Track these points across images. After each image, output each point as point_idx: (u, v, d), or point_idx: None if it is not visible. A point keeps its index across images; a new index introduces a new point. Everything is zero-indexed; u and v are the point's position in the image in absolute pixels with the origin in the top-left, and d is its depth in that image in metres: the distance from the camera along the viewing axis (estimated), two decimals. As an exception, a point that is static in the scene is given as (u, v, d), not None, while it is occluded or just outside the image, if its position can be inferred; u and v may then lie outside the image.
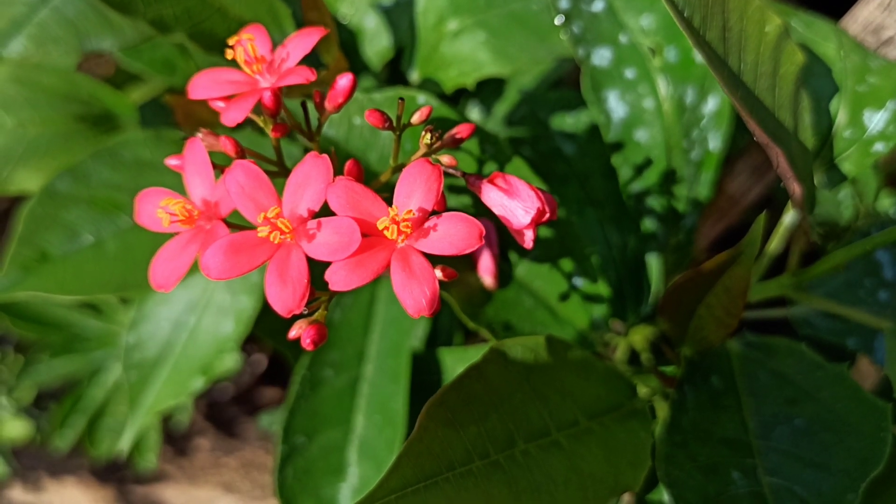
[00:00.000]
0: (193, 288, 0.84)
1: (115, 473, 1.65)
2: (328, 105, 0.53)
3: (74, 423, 1.32)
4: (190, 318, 0.84)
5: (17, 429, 1.47)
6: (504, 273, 0.68)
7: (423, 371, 0.80)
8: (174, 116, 0.74)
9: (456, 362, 0.79)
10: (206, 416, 1.74)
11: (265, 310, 0.83)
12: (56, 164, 0.70)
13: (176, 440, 1.71)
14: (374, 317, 0.80)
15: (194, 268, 0.77)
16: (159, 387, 0.86)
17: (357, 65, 0.83)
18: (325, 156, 0.47)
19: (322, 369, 0.77)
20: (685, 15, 0.48)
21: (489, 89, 0.86)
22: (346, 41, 0.83)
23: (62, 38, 0.71)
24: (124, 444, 0.91)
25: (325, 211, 0.47)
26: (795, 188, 0.53)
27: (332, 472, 0.75)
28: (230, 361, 1.22)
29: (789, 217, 0.70)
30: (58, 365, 1.30)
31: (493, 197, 0.52)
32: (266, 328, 0.90)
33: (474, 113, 0.86)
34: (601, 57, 0.73)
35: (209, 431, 1.73)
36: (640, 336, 0.74)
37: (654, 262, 0.76)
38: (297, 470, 0.74)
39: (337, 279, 0.44)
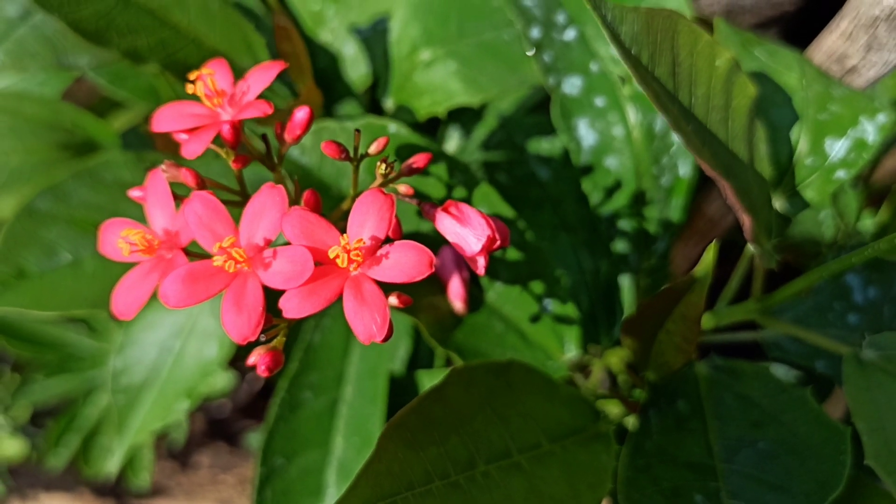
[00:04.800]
0: (178, 313, 0.85)
1: (112, 490, 1.66)
2: (287, 137, 0.55)
3: (69, 443, 1.33)
4: (175, 343, 0.85)
5: (14, 447, 1.48)
6: (475, 298, 0.69)
7: (402, 393, 0.81)
8: (154, 145, 0.76)
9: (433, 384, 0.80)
10: (204, 433, 1.75)
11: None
12: (37, 191, 0.71)
13: (174, 456, 1.72)
14: (353, 340, 0.81)
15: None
16: (146, 410, 0.87)
17: (340, 90, 0.85)
18: (281, 186, 0.49)
19: (301, 391, 0.78)
20: (632, 52, 0.50)
21: (469, 114, 0.87)
22: (328, 68, 0.85)
23: (39, 54, 0.73)
24: (113, 465, 0.92)
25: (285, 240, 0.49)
26: (745, 220, 0.54)
27: (311, 494, 0.76)
28: (221, 381, 1.24)
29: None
30: (53, 384, 1.32)
31: (446, 225, 0.53)
32: (251, 350, 0.92)
33: (454, 137, 0.88)
34: (571, 85, 0.74)
35: (207, 448, 1.74)
36: (617, 358, 0.75)
37: (626, 286, 0.77)
38: (276, 492, 0.75)
39: (290, 306, 0.46)
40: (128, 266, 0.54)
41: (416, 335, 0.89)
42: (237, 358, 0.87)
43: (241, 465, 1.72)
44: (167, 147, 0.74)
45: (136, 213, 0.65)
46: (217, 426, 1.76)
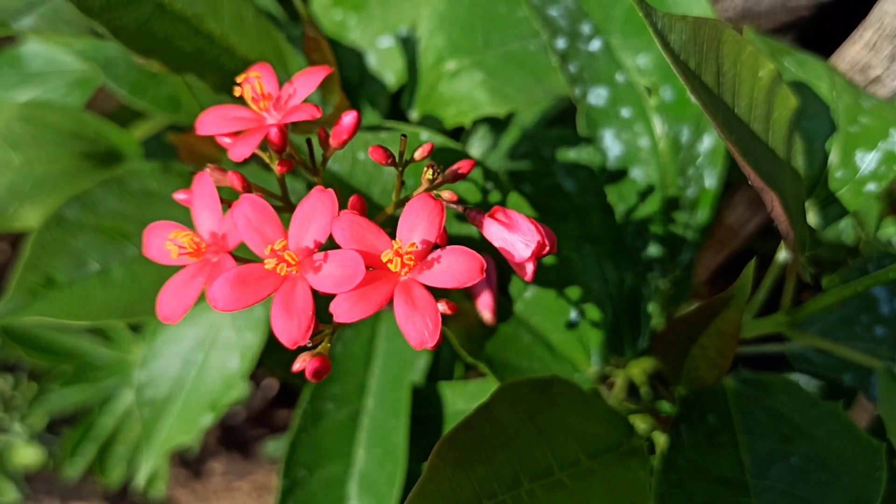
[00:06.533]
0: (200, 325, 0.85)
1: (126, 499, 1.66)
2: (333, 142, 0.54)
3: (85, 452, 1.33)
4: (198, 355, 0.85)
5: (30, 455, 1.48)
6: (503, 309, 0.69)
7: (424, 405, 0.80)
8: (177, 154, 0.75)
9: (456, 396, 0.80)
10: (218, 440, 1.75)
11: (272, 343, 0.84)
12: (62, 200, 0.71)
13: (189, 464, 1.72)
14: (375, 350, 0.81)
15: (202, 307, 0.77)
16: (171, 423, 0.87)
17: (363, 100, 0.85)
18: (331, 190, 0.48)
19: (324, 403, 0.78)
20: (681, 58, 0.49)
21: (493, 124, 0.87)
22: (351, 77, 0.84)
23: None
24: (140, 478, 0.92)
25: (330, 245, 0.48)
26: (789, 231, 0.54)
27: (333, 506, 0.76)
28: (239, 390, 1.23)
29: (783, 254, 0.71)
30: (69, 393, 1.32)
31: (493, 231, 0.52)
32: (275, 360, 0.91)
33: (477, 146, 0.87)
34: (597, 96, 0.74)
35: (222, 455, 1.74)
36: (639, 369, 0.74)
37: (651, 297, 0.76)
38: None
39: (341, 311, 0.45)
40: (160, 274, 0.53)
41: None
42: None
43: (255, 472, 1.71)
44: (191, 158, 0.73)
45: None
46: (231, 433, 1.76)
